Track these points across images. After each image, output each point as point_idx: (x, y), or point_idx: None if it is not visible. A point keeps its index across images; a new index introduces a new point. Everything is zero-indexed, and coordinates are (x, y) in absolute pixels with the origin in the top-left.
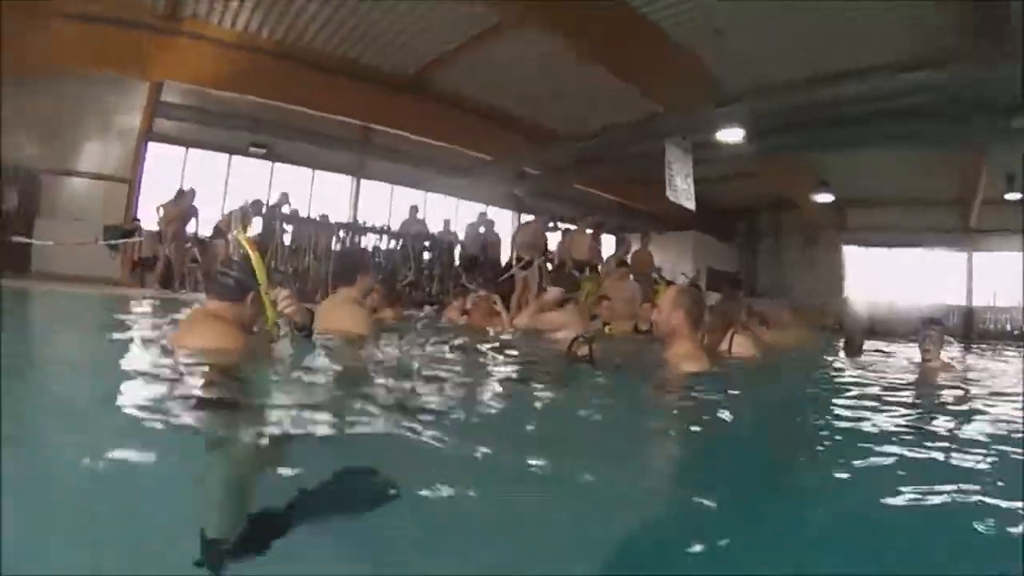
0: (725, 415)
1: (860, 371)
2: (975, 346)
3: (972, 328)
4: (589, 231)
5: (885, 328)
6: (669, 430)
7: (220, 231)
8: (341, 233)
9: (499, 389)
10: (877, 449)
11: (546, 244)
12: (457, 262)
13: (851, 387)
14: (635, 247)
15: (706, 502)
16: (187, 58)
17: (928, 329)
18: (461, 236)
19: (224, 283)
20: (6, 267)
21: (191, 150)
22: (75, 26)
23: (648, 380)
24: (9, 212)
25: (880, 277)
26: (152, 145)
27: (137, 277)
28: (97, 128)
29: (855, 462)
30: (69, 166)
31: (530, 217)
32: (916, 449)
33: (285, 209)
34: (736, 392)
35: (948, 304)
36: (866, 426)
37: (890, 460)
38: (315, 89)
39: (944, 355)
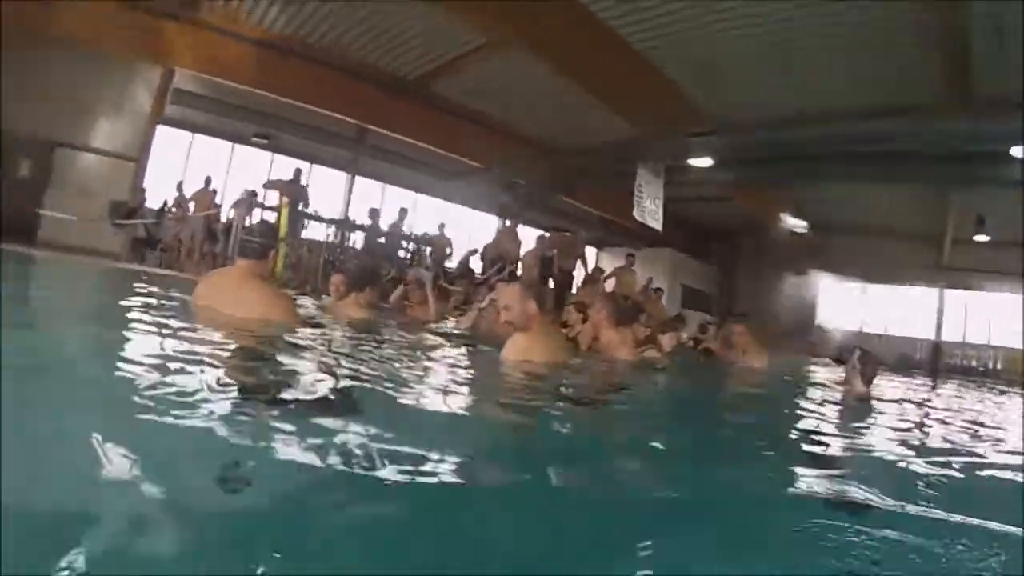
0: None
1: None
2: (939, 380)
3: (939, 362)
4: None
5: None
6: None
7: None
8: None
9: None
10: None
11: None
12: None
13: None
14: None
15: None
16: (201, 48)
17: (851, 355)
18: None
19: (250, 246)
20: (17, 235)
21: (196, 135)
22: (98, 4)
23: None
24: (23, 181)
25: (852, 306)
26: (159, 128)
27: (138, 255)
28: (111, 106)
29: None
30: (81, 140)
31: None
32: None
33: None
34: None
35: (917, 338)
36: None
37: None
38: (320, 86)
39: (862, 386)
